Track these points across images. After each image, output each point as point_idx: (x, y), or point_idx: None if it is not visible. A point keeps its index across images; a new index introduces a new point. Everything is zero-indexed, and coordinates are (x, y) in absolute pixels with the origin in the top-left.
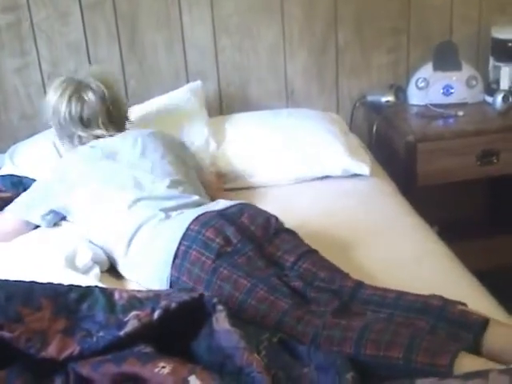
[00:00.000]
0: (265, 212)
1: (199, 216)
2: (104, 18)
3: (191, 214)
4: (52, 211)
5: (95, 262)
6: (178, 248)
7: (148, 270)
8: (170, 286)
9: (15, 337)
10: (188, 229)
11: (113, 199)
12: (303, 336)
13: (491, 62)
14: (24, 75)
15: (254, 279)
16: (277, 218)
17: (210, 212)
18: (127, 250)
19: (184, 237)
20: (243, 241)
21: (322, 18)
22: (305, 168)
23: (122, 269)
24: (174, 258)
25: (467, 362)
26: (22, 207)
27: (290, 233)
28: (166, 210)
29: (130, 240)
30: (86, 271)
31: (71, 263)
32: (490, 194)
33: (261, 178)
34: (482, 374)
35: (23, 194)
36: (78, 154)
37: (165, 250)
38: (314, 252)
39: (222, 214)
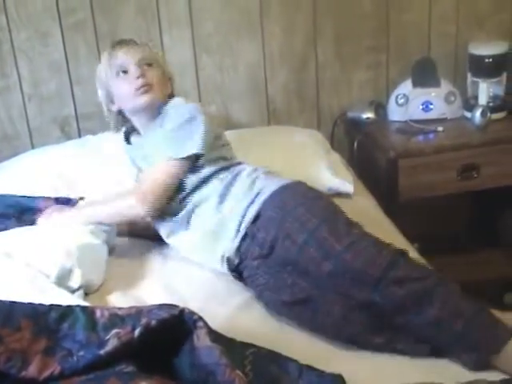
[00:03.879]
0: None
1: None
2: (84, 38)
3: None
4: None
5: (86, 284)
6: None
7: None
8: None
9: None
10: None
11: None
12: None
13: (469, 77)
14: (5, 97)
15: None
16: None
17: None
18: None
19: None
20: None
21: (301, 35)
22: None
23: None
24: None
25: None
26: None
27: None
28: None
29: None
30: (73, 291)
31: (62, 281)
32: (472, 208)
33: None
34: None
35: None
36: None
37: None
38: None
39: None
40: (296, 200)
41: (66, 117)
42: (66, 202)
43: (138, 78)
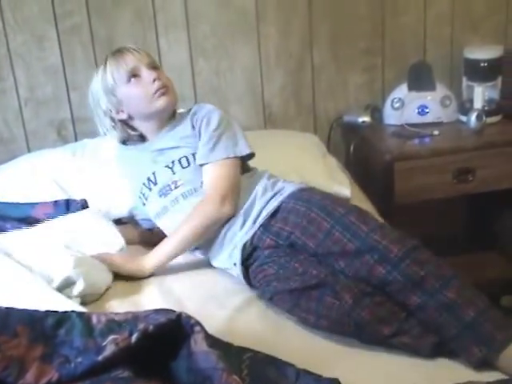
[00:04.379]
0: None
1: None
2: (81, 42)
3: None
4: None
5: (86, 294)
6: None
7: None
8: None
9: None
10: None
11: None
12: None
13: (464, 81)
14: (1, 101)
15: None
16: None
17: None
18: None
19: None
20: None
21: (297, 38)
22: None
23: None
24: None
25: None
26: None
27: None
28: None
29: None
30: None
31: (62, 289)
32: (469, 211)
33: None
34: None
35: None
36: None
37: None
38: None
39: None
40: (320, 195)
41: (63, 120)
42: (66, 204)
43: (154, 81)
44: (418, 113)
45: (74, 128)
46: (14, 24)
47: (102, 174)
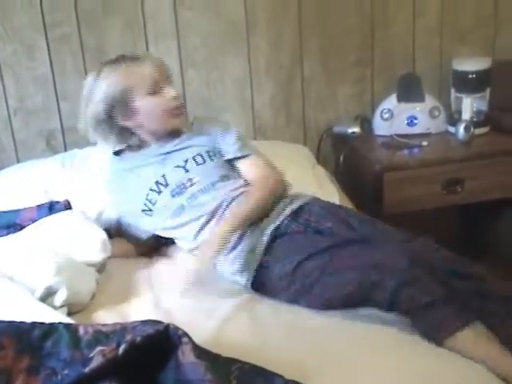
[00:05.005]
0: None
1: None
2: (71, 52)
3: None
4: None
5: (70, 304)
6: None
7: None
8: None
9: None
10: None
11: None
12: None
13: (453, 93)
14: None
15: None
16: None
17: None
18: None
19: None
20: None
21: (287, 50)
22: None
23: None
24: None
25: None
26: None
27: None
28: None
29: None
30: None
31: (45, 299)
32: (459, 221)
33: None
34: None
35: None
36: None
37: None
38: None
39: None
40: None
41: (52, 130)
42: (50, 207)
43: (174, 99)
44: (407, 124)
45: (63, 138)
46: (3, 34)
47: (91, 184)
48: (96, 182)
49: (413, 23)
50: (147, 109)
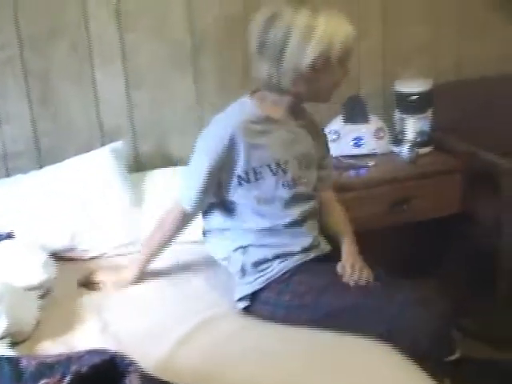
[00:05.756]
0: None
1: None
2: (13, 75)
3: None
4: None
5: (12, 333)
6: None
7: None
8: None
9: None
10: None
11: None
12: None
13: (396, 114)
14: None
15: None
16: None
17: None
18: None
19: None
20: None
21: (234, 71)
22: None
23: None
24: None
25: None
26: None
27: None
28: None
29: None
30: None
31: None
32: (405, 241)
33: None
34: None
35: None
36: None
37: None
38: None
39: None
40: None
41: None
42: None
43: (345, 76)
44: (354, 145)
45: (5, 163)
46: None
47: (36, 209)
48: (41, 206)
49: (357, 46)
50: (327, 75)
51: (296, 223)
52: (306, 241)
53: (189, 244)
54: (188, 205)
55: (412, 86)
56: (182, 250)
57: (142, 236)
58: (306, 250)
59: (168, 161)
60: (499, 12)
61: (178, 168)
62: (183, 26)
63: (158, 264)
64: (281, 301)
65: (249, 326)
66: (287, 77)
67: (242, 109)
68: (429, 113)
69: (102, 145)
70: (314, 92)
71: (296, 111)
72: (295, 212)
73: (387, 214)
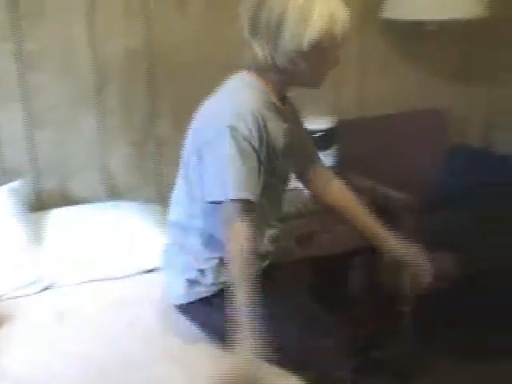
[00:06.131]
0: None
1: None
2: None
3: None
4: None
5: None
6: None
7: None
8: None
9: None
10: None
11: None
12: None
13: None
14: None
15: None
16: None
17: None
18: None
19: None
20: None
21: (139, 109)
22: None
23: None
24: None
25: None
26: None
27: None
28: None
29: None
30: None
31: None
32: (315, 276)
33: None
34: None
35: None
36: None
37: None
38: None
39: None
40: None
41: None
42: None
43: (336, 63)
44: None
45: None
46: None
47: None
48: None
49: None
50: (317, 58)
51: None
52: None
53: None
54: (252, 194)
55: (315, 124)
56: None
57: (43, 275)
58: None
59: (70, 199)
60: (399, 49)
61: (81, 206)
62: (86, 63)
63: None
64: None
65: None
66: (286, 56)
67: (254, 93)
68: (332, 149)
69: (2, 185)
70: (311, 73)
71: (283, 96)
72: None
73: (294, 248)
